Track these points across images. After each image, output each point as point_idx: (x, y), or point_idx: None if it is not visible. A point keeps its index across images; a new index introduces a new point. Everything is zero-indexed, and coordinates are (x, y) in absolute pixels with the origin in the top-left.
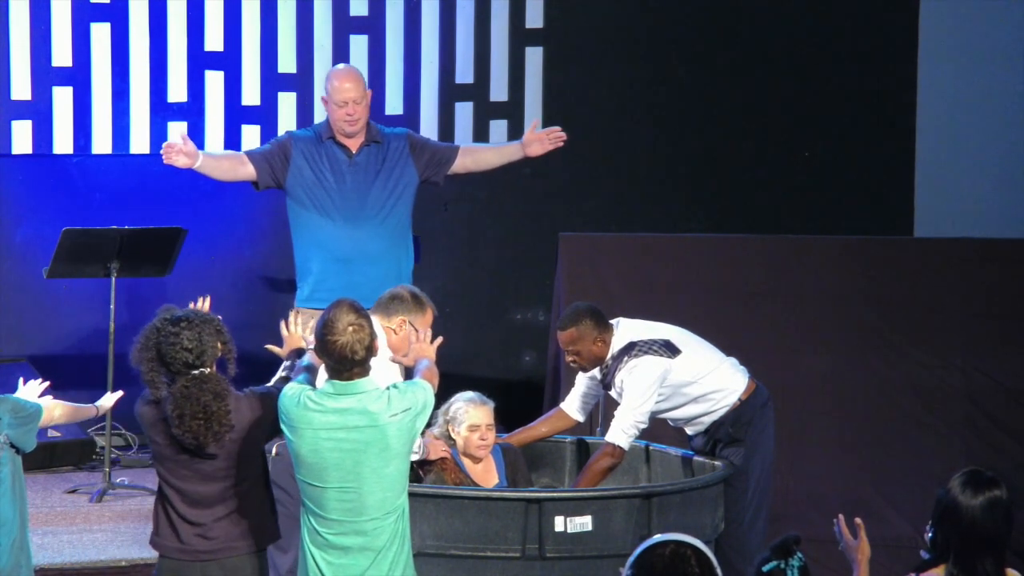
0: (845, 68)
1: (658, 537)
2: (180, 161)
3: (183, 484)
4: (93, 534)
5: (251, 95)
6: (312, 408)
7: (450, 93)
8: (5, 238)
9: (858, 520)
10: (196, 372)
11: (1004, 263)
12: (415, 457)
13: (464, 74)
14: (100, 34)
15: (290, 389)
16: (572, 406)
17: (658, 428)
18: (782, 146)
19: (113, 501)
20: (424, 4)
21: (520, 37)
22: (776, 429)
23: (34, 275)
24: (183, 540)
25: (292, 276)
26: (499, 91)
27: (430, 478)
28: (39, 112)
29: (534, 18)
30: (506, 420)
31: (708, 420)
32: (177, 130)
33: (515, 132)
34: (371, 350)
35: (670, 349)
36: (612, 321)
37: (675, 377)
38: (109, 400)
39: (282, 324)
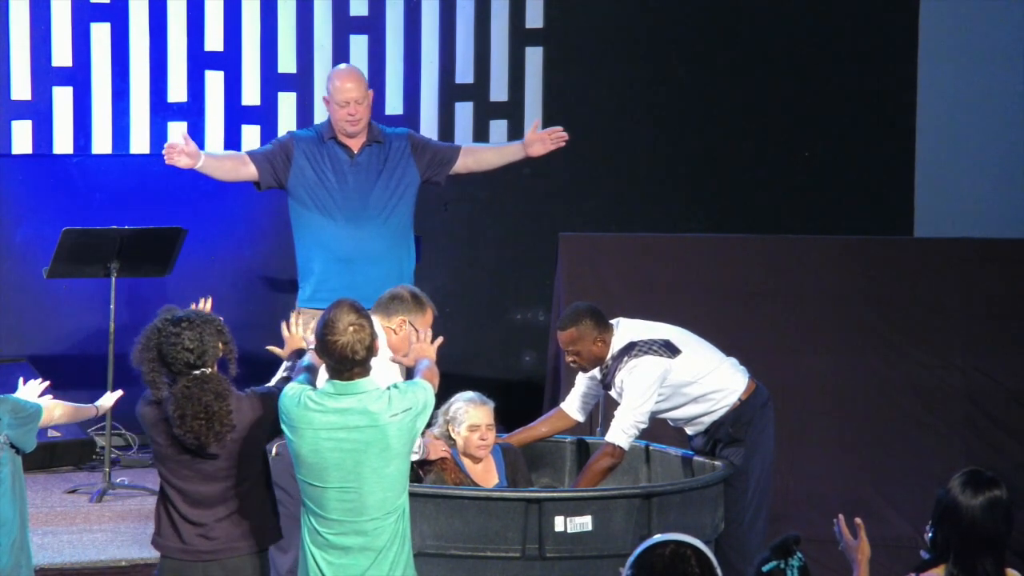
0: (845, 68)
1: (658, 537)
2: (182, 162)
3: (185, 484)
4: (93, 534)
5: (251, 95)
6: (313, 408)
7: (450, 93)
8: (5, 238)
9: (858, 520)
10: (197, 372)
11: (1004, 263)
12: (415, 457)
13: (464, 74)
14: (100, 34)
15: (290, 389)
16: (572, 406)
17: (658, 428)
18: (782, 146)
19: (113, 501)
20: (424, 4)
21: (520, 37)
22: (776, 429)
23: (34, 275)
24: (185, 540)
25: (292, 276)
26: (499, 91)
27: (430, 478)
28: (39, 112)
29: (534, 18)
30: (506, 420)
31: (708, 420)
32: (177, 130)
33: (515, 132)
34: (372, 350)
35: (670, 349)
36: (612, 321)
37: (675, 377)
38: (109, 400)
39: (283, 325)
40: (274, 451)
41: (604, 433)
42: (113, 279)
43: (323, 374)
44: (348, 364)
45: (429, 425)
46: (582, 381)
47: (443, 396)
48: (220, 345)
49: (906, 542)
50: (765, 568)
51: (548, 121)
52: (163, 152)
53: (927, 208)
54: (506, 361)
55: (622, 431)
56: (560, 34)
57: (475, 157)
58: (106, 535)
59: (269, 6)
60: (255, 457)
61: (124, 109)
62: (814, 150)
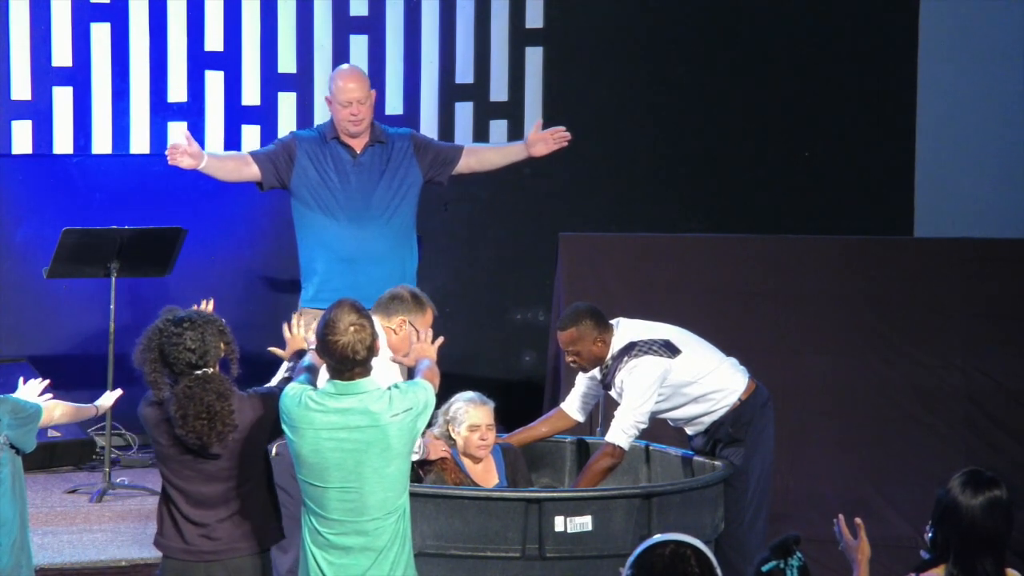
0: (845, 68)
1: (658, 537)
2: (185, 162)
3: (186, 485)
4: (93, 534)
5: (251, 95)
6: (313, 408)
7: (450, 93)
8: (5, 238)
9: (858, 520)
10: (199, 372)
11: (1004, 263)
12: (415, 457)
13: (464, 74)
14: (100, 34)
15: (291, 389)
16: (572, 406)
17: (658, 428)
18: (782, 146)
19: (113, 501)
20: (424, 4)
21: (520, 37)
22: (776, 429)
23: (34, 275)
24: (187, 541)
25: (293, 276)
26: (499, 91)
27: (430, 478)
28: (39, 112)
29: (534, 18)
30: (506, 420)
31: (708, 420)
32: (178, 130)
33: (515, 132)
34: (372, 350)
35: (670, 349)
36: (612, 321)
37: (675, 377)
38: (109, 399)
39: (284, 326)
40: (274, 451)
41: (604, 433)
42: (113, 279)
43: (324, 374)
44: (349, 364)
45: (429, 425)
46: (582, 381)
47: (443, 396)
48: (222, 345)
49: (906, 542)
50: (765, 568)
51: (548, 121)
52: (166, 153)
53: (927, 208)
54: (506, 361)
55: (622, 431)
56: (560, 34)
57: (477, 157)
58: (106, 535)
59: (269, 6)
60: (257, 457)
61: (124, 109)
62: (814, 150)
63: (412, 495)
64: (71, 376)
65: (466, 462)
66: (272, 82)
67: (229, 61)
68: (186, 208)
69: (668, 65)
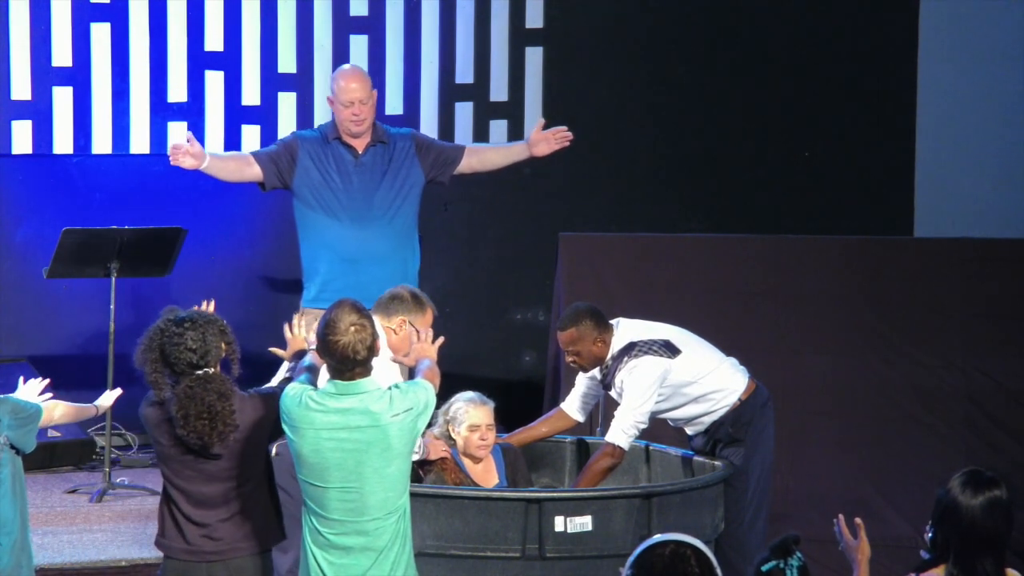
0: (845, 68)
1: (658, 537)
2: (187, 162)
3: (188, 485)
4: (93, 534)
5: (251, 95)
6: (314, 408)
7: (450, 93)
8: (5, 238)
9: (858, 520)
10: (200, 372)
11: (1004, 263)
12: (415, 457)
13: (464, 74)
14: (100, 34)
15: (292, 389)
16: (572, 406)
17: (658, 428)
18: (782, 146)
19: (113, 501)
20: (424, 4)
21: (520, 37)
22: (776, 429)
23: (34, 275)
24: (189, 541)
25: (293, 276)
26: (499, 91)
27: (430, 478)
28: (39, 112)
29: (534, 18)
30: (506, 420)
31: (708, 420)
32: (178, 130)
33: (515, 132)
34: (373, 350)
35: (670, 349)
36: (612, 321)
37: (675, 377)
38: (108, 399)
39: (285, 326)
40: (274, 451)
41: (604, 433)
42: (113, 279)
43: (324, 374)
44: (349, 364)
45: (429, 425)
46: (582, 381)
47: (443, 396)
48: (223, 345)
49: (906, 542)
50: (765, 568)
51: (548, 121)
52: (168, 153)
53: (927, 208)
54: (506, 361)
55: (622, 431)
56: (560, 34)
57: (479, 157)
58: (106, 535)
59: (269, 6)
60: (258, 458)
61: (124, 109)
62: (814, 150)
63: (412, 495)
64: (71, 376)
65: (466, 462)
66: (272, 82)
67: (229, 61)
68: (186, 208)
69: (668, 65)
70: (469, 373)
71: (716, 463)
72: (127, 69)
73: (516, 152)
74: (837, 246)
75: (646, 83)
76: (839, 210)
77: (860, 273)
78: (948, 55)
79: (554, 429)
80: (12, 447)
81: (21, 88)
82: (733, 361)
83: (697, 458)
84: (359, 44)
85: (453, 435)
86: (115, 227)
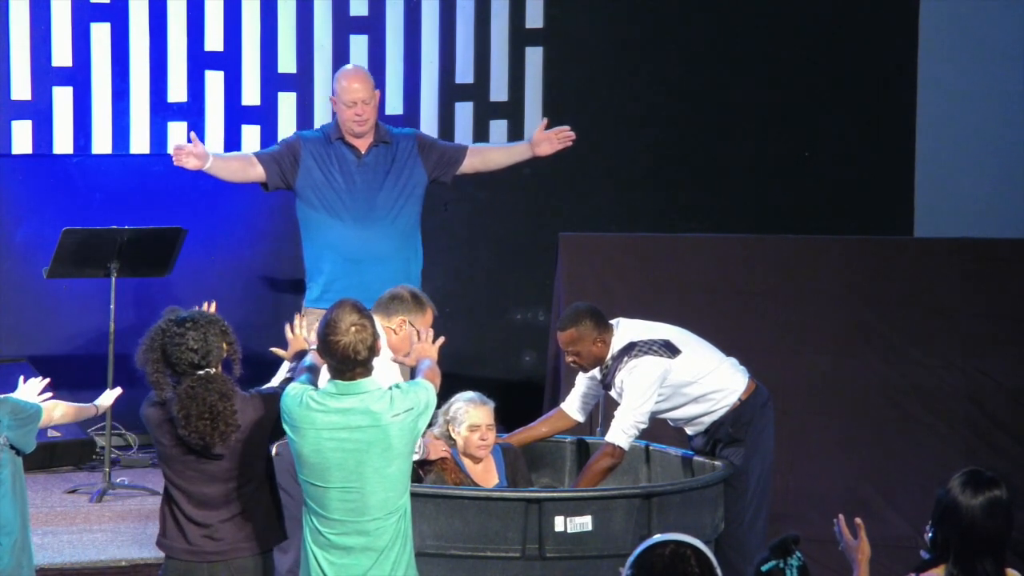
0: (845, 68)
1: (658, 537)
2: (190, 163)
3: (189, 485)
4: (93, 534)
5: (251, 95)
6: (315, 408)
7: (450, 93)
8: (5, 238)
9: (858, 520)
10: (201, 372)
11: (1004, 263)
12: (415, 457)
13: (464, 74)
14: (100, 34)
15: (292, 389)
16: (572, 406)
17: (658, 428)
18: (782, 146)
19: (113, 501)
20: (424, 4)
21: (520, 37)
22: (776, 429)
23: (34, 275)
24: (191, 541)
25: (293, 276)
26: (499, 91)
27: (430, 478)
28: (39, 112)
29: (534, 18)
30: (506, 420)
31: (708, 420)
32: (178, 130)
33: (515, 132)
34: (373, 350)
35: (670, 349)
36: (612, 321)
37: (675, 377)
38: (108, 398)
39: (287, 327)
40: (274, 451)
41: (604, 433)
42: (113, 279)
43: (325, 374)
44: (350, 364)
45: (429, 425)
46: (582, 381)
47: (444, 396)
48: (224, 345)
49: (906, 542)
50: (764, 568)
51: (549, 121)
52: (172, 153)
53: (927, 208)
54: (506, 361)
55: (622, 431)
56: (560, 34)
57: (482, 157)
58: (106, 535)
59: (269, 6)
60: (259, 458)
61: (124, 109)
62: (814, 150)
63: (412, 495)
64: (71, 376)
65: (466, 462)
66: (272, 82)
67: (229, 61)
68: (186, 208)
69: (668, 65)
70: (469, 373)
71: (716, 463)
72: (127, 69)
73: (519, 152)
74: (837, 246)
75: (646, 83)
76: (839, 210)
77: (860, 273)
78: (948, 55)
79: (554, 429)
80: (12, 447)
81: (21, 88)
82: (733, 361)
83: (697, 458)
84: (359, 44)
85: (453, 435)
86: (115, 227)
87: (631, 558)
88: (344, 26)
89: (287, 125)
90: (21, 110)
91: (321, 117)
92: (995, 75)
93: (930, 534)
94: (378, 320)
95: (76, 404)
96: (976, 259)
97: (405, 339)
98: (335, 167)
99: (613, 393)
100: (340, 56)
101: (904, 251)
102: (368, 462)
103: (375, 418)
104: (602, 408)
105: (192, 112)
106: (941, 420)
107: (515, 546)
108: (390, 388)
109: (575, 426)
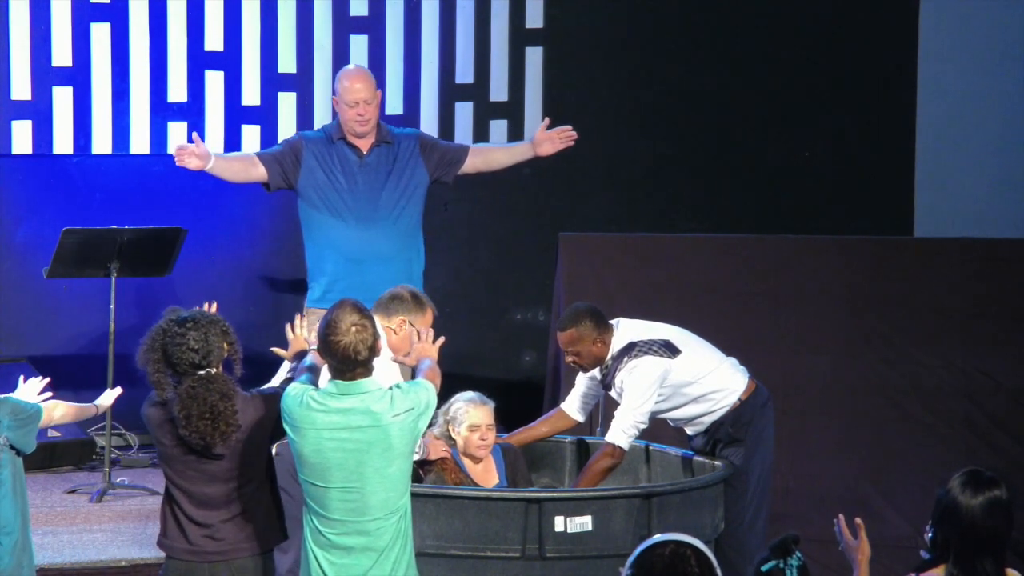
0: (845, 68)
1: (658, 537)
2: (192, 163)
3: (190, 485)
4: (93, 534)
5: (251, 95)
6: (315, 408)
7: (450, 93)
8: (5, 238)
9: (858, 520)
10: (202, 372)
11: (1004, 263)
12: (416, 457)
13: (464, 74)
14: (100, 34)
15: (293, 389)
16: (572, 406)
17: (658, 428)
18: (782, 146)
19: (113, 501)
20: (424, 4)
21: (520, 37)
22: (776, 429)
23: (34, 275)
24: (191, 541)
25: (293, 276)
26: (499, 91)
27: (430, 478)
28: (39, 112)
29: (534, 18)
30: (506, 420)
31: (708, 420)
32: (178, 130)
33: (515, 132)
34: (374, 350)
35: (670, 349)
36: (612, 321)
37: (675, 377)
38: (108, 398)
39: (287, 327)
40: (274, 451)
41: (604, 433)
42: (113, 279)
43: (325, 374)
44: (351, 364)
45: (429, 425)
46: (582, 381)
47: (444, 396)
48: (225, 345)
49: (906, 542)
50: (764, 568)
51: (550, 121)
52: (174, 153)
53: (927, 208)
54: (506, 361)
55: (622, 431)
56: (560, 34)
57: (484, 157)
58: (106, 535)
59: (269, 6)
60: (260, 458)
61: (124, 109)
62: (814, 150)
63: (412, 495)
64: (71, 376)
65: (466, 462)
66: (272, 82)
67: (229, 61)
68: (186, 208)
69: (668, 65)
70: (469, 373)
71: (716, 463)
72: (127, 69)
73: (520, 151)
74: (837, 246)
75: (646, 83)
76: (839, 210)
77: (860, 273)
78: (948, 55)
79: (554, 429)
80: (12, 447)
81: (21, 88)
82: (733, 361)
83: (697, 458)
84: (359, 44)
85: (453, 435)
86: (115, 227)
87: (631, 558)
88: (344, 26)
89: (287, 125)
90: (21, 110)
91: (321, 117)
92: (995, 75)
93: (930, 534)
94: (378, 320)
95: (76, 404)
96: (976, 259)
97: (405, 339)
98: (337, 167)
99: (613, 393)
100: (340, 56)
101: (904, 251)
102: (368, 462)
103: (376, 418)
104: (602, 408)
105: (192, 112)
106: (941, 420)
107: (515, 546)
108: (390, 388)
109: (575, 426)
